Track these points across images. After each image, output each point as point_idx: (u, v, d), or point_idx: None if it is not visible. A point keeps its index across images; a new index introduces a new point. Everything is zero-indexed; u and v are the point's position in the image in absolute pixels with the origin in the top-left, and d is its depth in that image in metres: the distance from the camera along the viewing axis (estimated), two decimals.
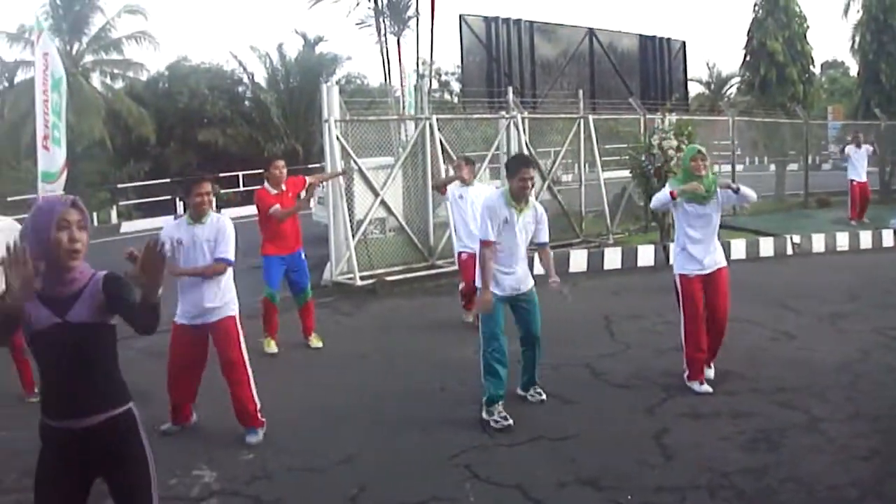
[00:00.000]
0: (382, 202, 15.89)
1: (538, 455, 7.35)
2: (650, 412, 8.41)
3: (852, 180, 23.20)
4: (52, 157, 19.40)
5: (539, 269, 9.47)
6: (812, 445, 7.44)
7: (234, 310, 8.18)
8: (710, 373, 9.39)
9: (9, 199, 10.16)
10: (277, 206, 10.94)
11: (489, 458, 7.28)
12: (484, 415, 8.24)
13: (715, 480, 6.71)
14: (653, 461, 7.16)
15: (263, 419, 8.07)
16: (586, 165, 20.16)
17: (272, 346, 11.29)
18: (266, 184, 11.24)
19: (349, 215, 15.28)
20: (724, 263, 9.41)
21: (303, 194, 11.39)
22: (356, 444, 7.71)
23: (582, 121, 19.69)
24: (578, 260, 16.95)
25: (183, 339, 8.14)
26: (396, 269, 15.83)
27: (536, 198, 16.77)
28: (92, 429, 4.28)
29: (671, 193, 9.06)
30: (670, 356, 10.24)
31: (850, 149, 23.56)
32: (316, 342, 11.62)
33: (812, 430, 7.82)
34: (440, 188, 12.94)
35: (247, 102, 45.67)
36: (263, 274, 11.28)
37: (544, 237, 8.83)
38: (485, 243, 8.33)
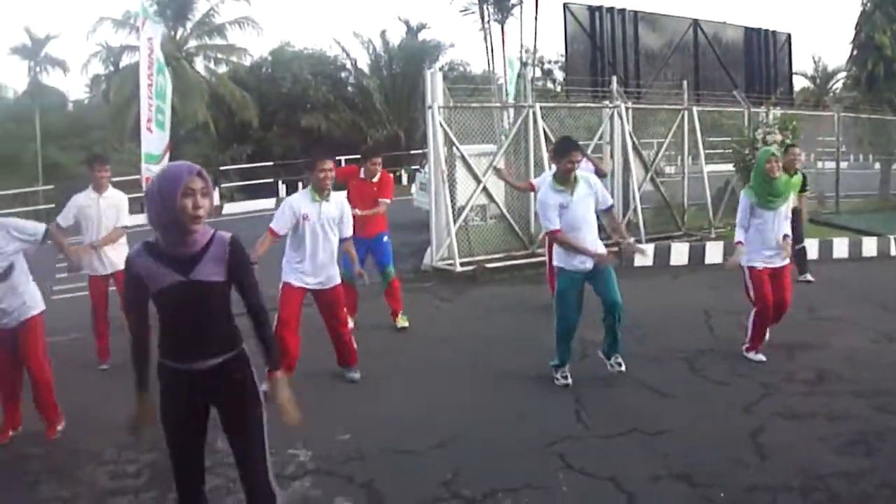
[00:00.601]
0: (484, 189, 15.93)
1: (632, 448, 7.31)
2: (747, 410, 8.29)
3: None
4: (156, 140, 19.86)
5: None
6: None
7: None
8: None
9: (113, 179, 10.45)
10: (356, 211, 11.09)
11: (583, 448, 7.27)
12: (552, 372, 9.22)
13: (809, 482, 6.61)
14: (747, 460, 7.07)
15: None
16: (689, 158, 19.95)
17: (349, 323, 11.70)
18: (362, 172, 11.85)
19: (451, 202, 15.36)
20: (788, 261, 10.17)
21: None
22: (451, 428, 7.77)
23: (686, 112, 19.51)
24: (680, 252, 16.80)
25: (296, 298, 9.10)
26: (496, 256, 15.89)
27: (639, 189, 16.86)
28: (210, 369, 4.80)
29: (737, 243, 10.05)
30: (768, 353, 10.11)
31: None
32: (402, 322, 11.96)
33: None
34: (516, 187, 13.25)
35: (349, 88, 46.10)
36: None
37: (608, 201, 9.21)
38: (553, 234, 8.97)
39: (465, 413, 8.27)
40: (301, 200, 9.03)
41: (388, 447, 7.40)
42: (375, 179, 11.77)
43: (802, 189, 14.49)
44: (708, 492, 6.43)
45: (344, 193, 10.71)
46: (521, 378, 9.39)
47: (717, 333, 11.24)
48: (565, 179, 8.91)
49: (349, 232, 9.24)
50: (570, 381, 9.12)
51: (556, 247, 9.14)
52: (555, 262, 9.25)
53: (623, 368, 9.25)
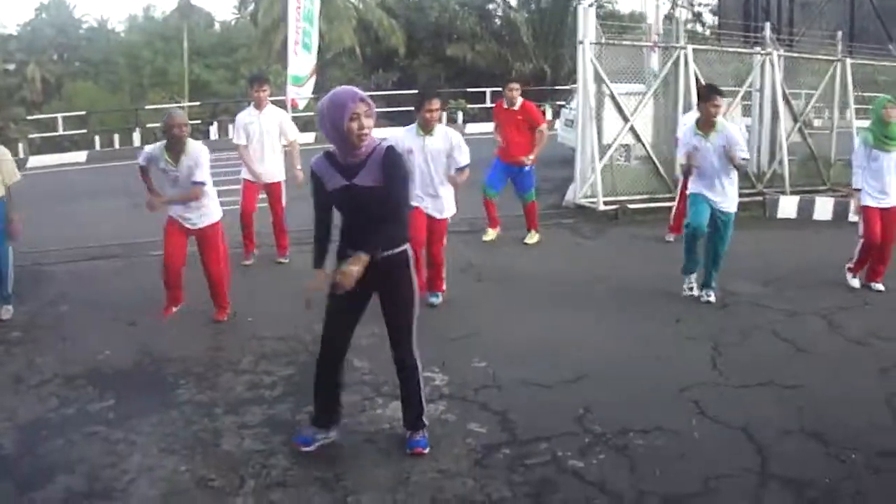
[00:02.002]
0: (631, 129, 15.80)
1: (766, 400, 7.27)
2: (884, 373, 8.10)
3: None
4: (302, 62, 20.16)
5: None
6: None
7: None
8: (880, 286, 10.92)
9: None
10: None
11: (717, 396, 7.26)
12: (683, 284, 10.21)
13: None
14: (883, 423, 6.94)
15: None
16: (839, 111, 19.44)
17: (490, 235, 13.03)
18: (503, 100, 12.76)
19: (597, 139, 15.31)
20: None
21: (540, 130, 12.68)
22: (587, 365, 7.85)
23: (839, 64, 18.92)
24: (824, 207, 16.35)
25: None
26: (639, 196, 15.75)
27: (787, 139, 16.56)
28: (376, 260, 5.57)
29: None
30: None
31: None
32: (531, 239, 12.92)
33: None
34: None
35: (497, 20, 45.85)
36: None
37: (740, 154, 9.77)
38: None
39: (600, 350, 8.34)
40: (406, 136, 9.57)
41: (522, 378, 7.52)
42: (516, 107, 12.49)
43: None
44: (840, 451, 6.34)
45: (476, 127, 11.23)
46: (659, 320, 9.41)
47: (857, 292, 10.92)
48: (706, 123, 9.70)
49: (464, 160, 9.50)
50: (695, 291, 10.15)
51: (691, 178, 10.03)
52: (689, 189, 10.13)
53: (712, 299, 10.02)
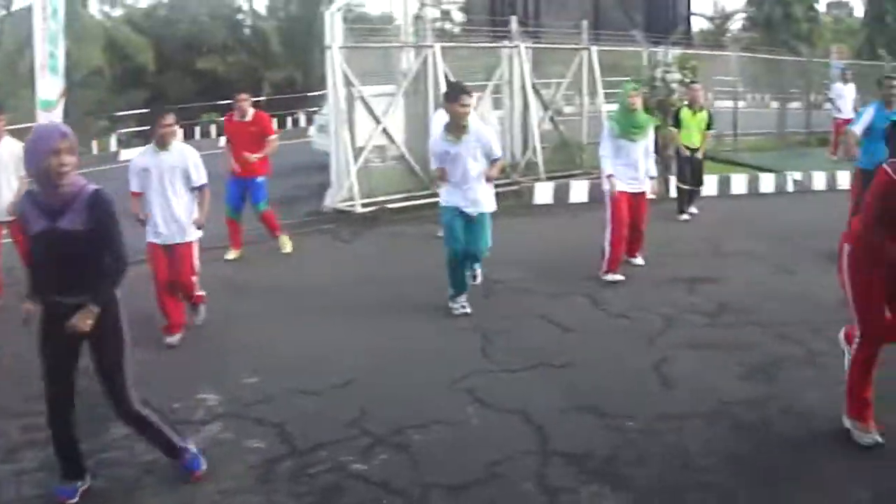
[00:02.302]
0: (384, 130, 15.78)
1: (540, 381, 7.41)
2: (650, 342, 8.48)
3: (836, 118, 23.35)
4: (50, 85, 19.33)
5: None
6: (810, 378, 7.52)
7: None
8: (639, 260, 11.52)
9: (10, 127, 10.18)
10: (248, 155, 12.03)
11: (491, 383, 7.32)
12: (450, 304, 9.50)
13: (714, 409, 6.80)
14: (653, 390, 7.26)
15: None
16: (588, 97, 19.99)
17: (231, 254, 12.40)
18: (234, 113, 12.42)
19: (350, 143, 15.20)
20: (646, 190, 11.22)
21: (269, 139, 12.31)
22: (357, 368, 7.75)
23: (585, 52, 19.49)
24: (579, 191, 16.93)
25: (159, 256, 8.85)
26: (397, 196, 15.69)
27: (538, 128, 16.89)
28: (78, 305, 5.30)
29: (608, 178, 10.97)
30: (670, 287, 10.44)
31: (837, 85, 23.67)
32: (285, 246, 12.73)
33: (810, 364, 7.90)
34: None
35: (246, 30, 45.40)
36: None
37: (494, 153, 9.48)
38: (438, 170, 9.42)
39: (371, 351, 8.24)
40: (143, 155, 9.00)
41: (296, 388, 7.35)
42: (249, 118, 12.10)
43: (708, 127, 15.13)
44: (616, 421, 6.55)
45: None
46: (426, 316, 9.42)
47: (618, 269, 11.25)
48: (456, 127, 9.16)
49: (201, 179, 8.89)
50: (468, 309, 9.44)
51: (444, 189, 9.54)
52: (441, 200, 9.69)
53: (478, 282, 10.12)
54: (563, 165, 18.60)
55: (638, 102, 10.89)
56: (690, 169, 15.14)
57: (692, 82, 15.93)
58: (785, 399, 7.04)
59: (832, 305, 9.46)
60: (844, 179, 18.52)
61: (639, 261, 11.47)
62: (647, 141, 11.10)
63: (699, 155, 15.20)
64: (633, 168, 10.93)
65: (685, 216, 15.10)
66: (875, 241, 5.86)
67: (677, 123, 15.07)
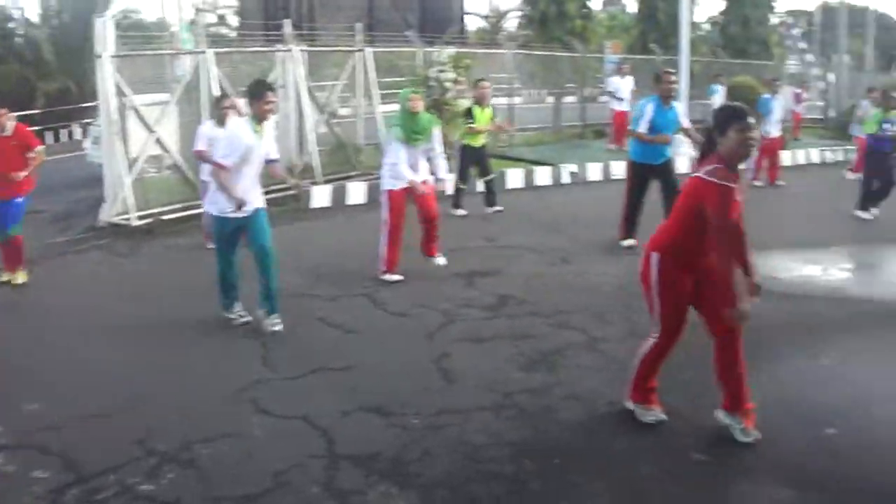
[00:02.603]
0: (157, 140, 15.48)
1: (321, 386, 7.49)
2: (430, 338, 8.70)
3: (614, 109, 24.35)
4: None
5: None
6: (591, 364, 7.91)
7: None
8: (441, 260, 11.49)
9: None
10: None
11: (274, 390, 7.35)
12: (227, 314, 9.29)
13: (498, 401, 7.05)
14: (435, 385, 7.45)
15: None
16: (364, 98, 20.13)
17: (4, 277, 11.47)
18: None
19: (124, 154, 14.86)
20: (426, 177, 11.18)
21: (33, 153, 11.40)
22: (141, 386, 7.58)
23: (359, 54, 19.64)
24: (356, 192, 17.09)
25: None
26: (173, 207, 15.33)
27: (314, 132, 16.90)
28: None
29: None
30: (450, 283, 10.71)
31: (614, 79, 24.64)
32: (19, 278, 11.45)
33: (591, 350, 8.30)
34: None
35: (17, 39, 43.66)
36: None
37: (270, 154, 9.15)
38: (219, 166, 8.75)
39: (153, 369, 8.06)
40: None
41: (79, 412, 7.11)
42: (8, 133, 11.10)
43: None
44: (401, 420, 6.70)
45: None
46: (205, 329, 9.24)
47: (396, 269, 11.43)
48: (261, 121, 8.85)
49: None
50: (249, 317, 9.23)
51: (210, 194, 9.17)
52: (206, 208, 9.48)
53: (279, 328, 8.95)
54: (340, 167, 18.74)
55: (419, 106, 10.92)
56: (481, 162, 15.73)
57: (480, 80, 16.32)
58: (568, 386, 7.39)
59: (610, 292, 10.03)
60: (619, 169, 19.26)
61: (441, 260, 11.55)
62: (432, 143, 11.12)
63: (485, 147, 15.90)
64: (414, 170, 10.94)
65: (461, 211, 15.47)
66: (724, 251, 6.01)
67: (472, 120, 15.38)
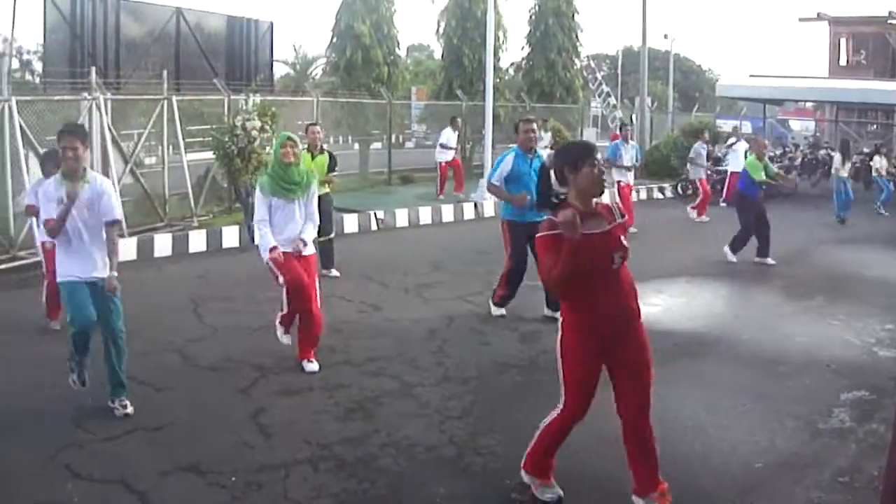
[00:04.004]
0: None
1: (137, 447, 7.33)
2: (245, 393, 8.67)
3: (440, 161, 24.90)
4: None
5: None
6: (407, 410, 8.09)
7: None
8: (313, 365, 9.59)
9: None
10: None
11: (88, 454, 7.14)
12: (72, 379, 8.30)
13: (316, 453, 7.11)
14: (252, 441, 7.42)
15: None
16: (170, 147, 19.93)
17: None
18: None
19: None
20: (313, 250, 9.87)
21: None
22: None
23: (165, 102, 19.43)
24: (163, 244, 16.84)
25: None
26: None
27: (119, 181, 16.63)
28: None
29: (270, 251, 9.33)
30: (260, 336, 10.61)
31: (446, 131, 25.17)
32: None
33: (406, 396, 8.48)
34: None
35: None
36: None
37: (111, 214, 8.11)
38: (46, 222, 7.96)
39: None
40: None
41: None
42: None
43: (331, 169, 14.53)
44: (219, 478, 6.66)
45: None
46: (14, 392, 8.71)
47: (206, 321, 11.49)
48: (71, 171, 7.87)
49: None
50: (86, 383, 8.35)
51: (58, 254, 8.15)
52: (59, 277, 8.15)
53: (129, 411, 8.08)
54: (147, 218, 18.47)
55: (291, 154, 9.51)
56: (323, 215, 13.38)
57: (312, 124, 15.60)
58: (385, 433, 7.53)
59: (421, 338, 10.15)
60: (426, 215, 19.54)
61: (313, 366, 9.90)
62: (308, 198, 9.82)
63: (326, 197, 14.39)
64: (294, 228, 9.62)
65: (335, 272, 14.63)
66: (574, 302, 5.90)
67: None
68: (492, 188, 11.89)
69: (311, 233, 9.77)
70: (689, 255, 16.69)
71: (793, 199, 25.97)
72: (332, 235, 14.79)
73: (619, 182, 20.38)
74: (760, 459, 7.11)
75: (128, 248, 16.09)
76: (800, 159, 32.23)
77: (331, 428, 7.68)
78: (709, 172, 25.50)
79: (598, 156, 5.99)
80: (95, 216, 8.00)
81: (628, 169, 20.46)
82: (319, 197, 12.19)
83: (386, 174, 29.12)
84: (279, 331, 10.07)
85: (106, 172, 17.13)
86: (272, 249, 9.31)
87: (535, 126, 11.79)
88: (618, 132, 22.22)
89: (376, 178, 29.22)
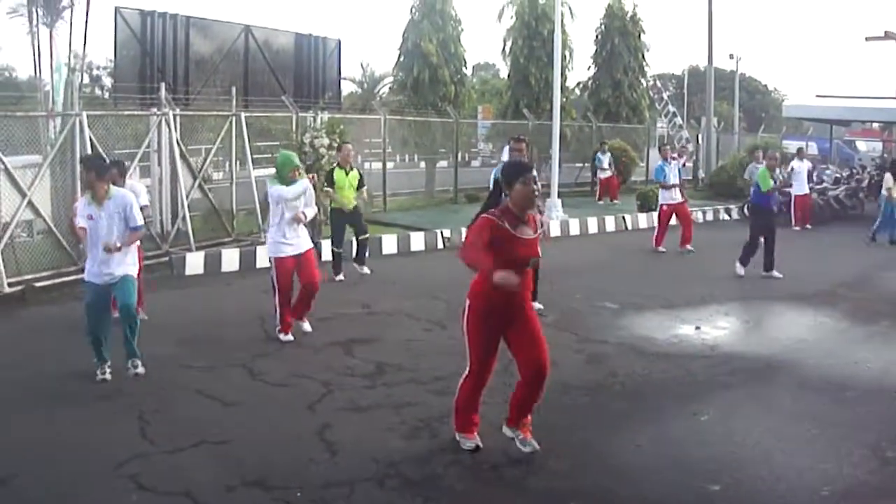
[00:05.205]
0: (30, 203, 15.08)
1: (202, 460, 7.33)
2: (311, 409, 8.61)
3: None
4: None
5: None
6: None
7: None
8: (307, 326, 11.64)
9: None
10: None
11: (153, 466, 7.14)
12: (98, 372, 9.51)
13: (382, 471, 7.03)
14: (318, 457, 7.37)
15: None
16: (238, 163, 20.05)
17: None
18: None
19: None
20: (310, 245, 11.61)
21: None
22: (13, 464, 7.20)
23: (234, 118, 19.57)
24: (231, 258, 16.98)
25: None
26: (46, 273, 14.90)
27: (187, 196, 16.75)
28: None
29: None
30: (327, 352, 10.68)
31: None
32: None
33: None
34: None
35: None
36: None
37: (134, 221, 9.61)
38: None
39: (25, 446, 7.65)
40: None
41: None
42: None
43: (359, 186, 15.65)
44: (284, 494, 6.61)
45: None
46: (83, 398, 8.93)
47: (272, 337, 11.42)
48: (94, 192, 9.42)
49: None
50: (108, 376, 9.46)
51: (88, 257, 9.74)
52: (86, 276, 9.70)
53: (140, 371, 9.61)
54: (214, 233, 18.61)
55: (297, 174, 11.45)
56: (353, 223, 15.88)
57: (343, 143, 16.45)
58: (450, 452, 7.42)
59: None
60: None
61: (306, 326, 11.66)
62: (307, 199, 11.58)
63: (357, 209, 15.87)
64: (296, 231, 11.34)
65: (341, 276, 15.61)
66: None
67: (331, 184, 15.49)
68: None
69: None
70: (752, 278, 16.40)
71: (860, 222, 25.47)
72: (367, 236, 16.32)
73: (662, 206, 20.47)
74: (827, 487, 6.92)
75: (195, 263, 16.29)
76: (867, 181, 31.62)
77: (397, 446, 7.62)
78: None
79: (534, 173, 7.27)
80: (121, 223, 9.50)
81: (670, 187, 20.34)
82: (346, 212, 15.50)
83: (452, 192, 29.11)
84: (282, 335, 11.23)
85: (175, 187, 17.36)
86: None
87: (524, 146, 13.17)
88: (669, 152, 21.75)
89: (442, 196, 29.23)
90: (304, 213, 11.37)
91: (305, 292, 11.44)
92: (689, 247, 19.93)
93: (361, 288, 14.97)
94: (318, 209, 14.57)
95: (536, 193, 7.17)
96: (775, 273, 16.39)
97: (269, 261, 11.54)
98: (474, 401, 7.50)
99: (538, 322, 7.48)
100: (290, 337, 11.19)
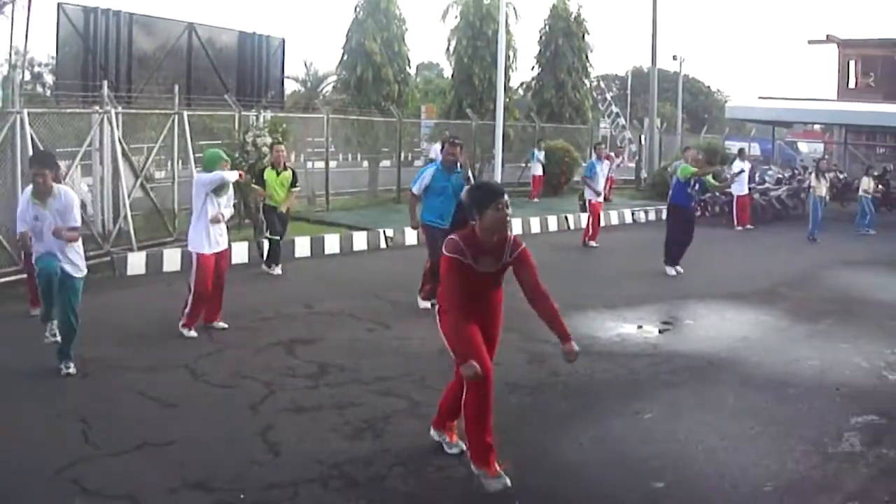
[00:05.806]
0: None
1: (145, 462, 7.29)
2: (254, 410, 8.61)
3: None
4: None
5: None
6: (417, 430, 7.99)
7: None
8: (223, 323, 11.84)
9: None
10: None
11: (96, 469, 7.10)
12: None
13: (325, 472, 7.07)
14: (261, 458, 7.38)
15: None
16: (180, 162, 19.92)
17: None
18: None
19: None
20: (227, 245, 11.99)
21: None
22: None
23: (176, 117, 19.42)
24: (172, 258, 16.82)
25: None
26: None
27: (129, 195, 16.62)
28: None
29: None
30: (269, 352, 10.70)
31: (436, 146, 25.09)
32: None
33: (415, 415, 8.43)
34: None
35: None
36: None
37: (70, 221, 9.50)
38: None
39: None
40: None
41: None
42: None
43: (293, 185, 16.07)
44: (227, 496, 6.62)
45: None
46: (21, 404, 8.73)
47: (215, 338, 11.44)
48: (40, 192, 9.40)
49: None
50: (58, 337, 9.80)
51: (35, 246, 9.57)
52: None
53: (72, 371, 9.54)
54: (156, 233, 18.48)
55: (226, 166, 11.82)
56: (279, 219, 16.15)
57: (275, 143, 16.73)
58: (394, 453, 7.49)
59: (430, 356, 10.10)
60: None
61: (221, 325, 11.85)
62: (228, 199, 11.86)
63: (283, 210, 16.18)
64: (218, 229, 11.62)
65: (278, 270, 15.96)
66: (457, 312, 6.80)
67: (262, 183, 15.91)
68: (411, 197, 13.57)
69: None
70: (692, 277, 16.63)
71: (801, 221, 25.82)
72: (280, 238, 16.42)
73: (590, 201, 21.21)
74: (770, 483, 7.09)
75: (137, 263, 16.19)
76: (808, 182, 32.22)
77: (340, 446, 7.64)
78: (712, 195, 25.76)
79: (506, 198, 6.78)
80: (62, 221, 9.39)
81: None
82: (275, 208, 15.76)
83: (395, 192, 29.09)
84: (184, 330, 11.41)
85: (116, 186, 17.21)
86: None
87: (458, 150, 13.11)
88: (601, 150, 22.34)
89: (385, 195, 29.28)
90: (222, 214, 11.60)
91: (218, 292, 11.69)
92: (593, 242, 21.06)
93: (303, 287, 14.99)
94: (251, 206, 14.64)
95: (509, 218, 6.82)
96: (678, 268, 17.09)
97: (192, 256, 11.62)
98: (483, 417, 7.06)
99: (499, 331, 7.50)
100: (193, 333, 11.35)
